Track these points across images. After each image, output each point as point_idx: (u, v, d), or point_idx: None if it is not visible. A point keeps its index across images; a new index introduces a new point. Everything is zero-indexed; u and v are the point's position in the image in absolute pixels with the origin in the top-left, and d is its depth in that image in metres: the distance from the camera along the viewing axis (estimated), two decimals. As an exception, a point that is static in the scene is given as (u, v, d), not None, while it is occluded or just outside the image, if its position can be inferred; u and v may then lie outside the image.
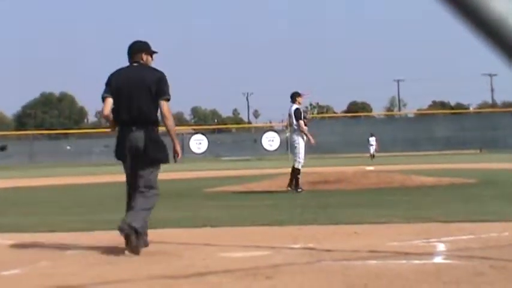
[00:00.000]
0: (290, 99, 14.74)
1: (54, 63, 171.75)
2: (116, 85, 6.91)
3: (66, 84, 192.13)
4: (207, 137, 69.66)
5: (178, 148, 6.96)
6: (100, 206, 12.65)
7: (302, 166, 14.40)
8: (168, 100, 6.91)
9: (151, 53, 7.18)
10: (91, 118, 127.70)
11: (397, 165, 27.67)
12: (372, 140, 47.49)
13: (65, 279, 5.25)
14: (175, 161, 7.14)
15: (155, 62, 7.19)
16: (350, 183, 15.33)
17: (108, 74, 7.03)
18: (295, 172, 14.34)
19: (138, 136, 6.77)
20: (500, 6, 1.14)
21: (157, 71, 7.04)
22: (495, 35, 1.14)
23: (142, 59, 7.05)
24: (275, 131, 63.77)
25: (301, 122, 14.44)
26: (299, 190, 14.12)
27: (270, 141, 60.50)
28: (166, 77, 6.99)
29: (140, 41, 7.22)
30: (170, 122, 6.89)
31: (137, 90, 6.84)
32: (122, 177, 7.07)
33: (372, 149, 47.03)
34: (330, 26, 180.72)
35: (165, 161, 6.89)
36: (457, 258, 5.66)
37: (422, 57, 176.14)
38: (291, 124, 14.88)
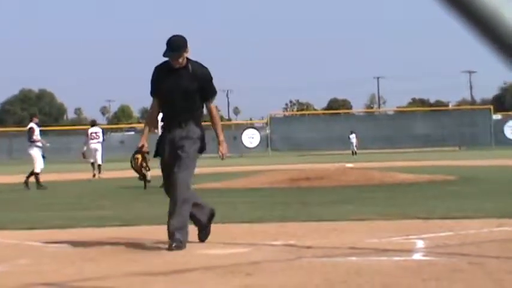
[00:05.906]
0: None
1: (33, 59, 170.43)
2: None
3: (45, 81, 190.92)
4: (186, 134, 69.24)
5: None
6: (79, 203, 12.58)
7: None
8: None
9: None
10: (70, 115, 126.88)
11: (377, 163, 27.77)
12: (352, 137, 48.61)
13: (45, 277, 5.22)
14: None
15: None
16: (330, 180, 15.35)
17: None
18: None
19: None
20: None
21: None
22: (489, 29, 1.13)
23: None
24: (255, 128, 63.67)
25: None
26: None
27: (250, 138, 60.42)
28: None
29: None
30: None
31: None
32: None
33: (353, 146, 48.07)
34: (310, 24, 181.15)
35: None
36: (436, 254, 5.70)
37: (402, 55, 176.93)
38: None
